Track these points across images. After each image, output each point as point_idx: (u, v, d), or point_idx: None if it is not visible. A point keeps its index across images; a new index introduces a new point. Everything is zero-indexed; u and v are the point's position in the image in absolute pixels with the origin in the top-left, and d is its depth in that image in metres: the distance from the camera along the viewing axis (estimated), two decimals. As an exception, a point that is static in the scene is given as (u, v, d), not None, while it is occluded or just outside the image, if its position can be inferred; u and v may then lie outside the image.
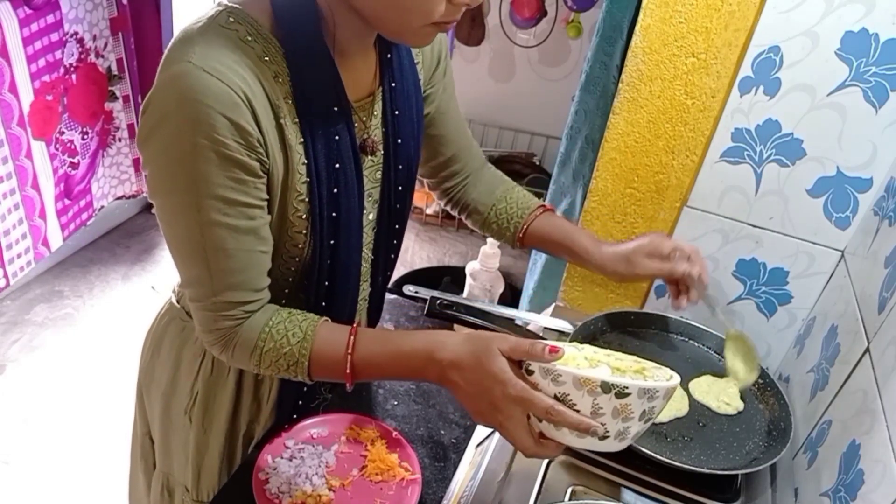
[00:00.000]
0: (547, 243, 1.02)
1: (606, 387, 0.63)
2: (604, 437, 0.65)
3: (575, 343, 0.75)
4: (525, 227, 1.02)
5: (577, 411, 0.64)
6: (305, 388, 0.95)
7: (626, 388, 0.63)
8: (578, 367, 0.67)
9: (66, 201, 2.27)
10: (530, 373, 0.66)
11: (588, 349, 0.73)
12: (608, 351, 0.74)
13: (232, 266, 0.74)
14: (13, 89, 1.90)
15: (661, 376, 0.70)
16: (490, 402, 0.67)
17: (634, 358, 0.74)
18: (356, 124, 0.82)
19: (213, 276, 0.75)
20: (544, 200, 1.10)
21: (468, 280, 1.34)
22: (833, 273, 1.09)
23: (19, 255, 2.11)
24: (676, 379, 0.69)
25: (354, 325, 0.78)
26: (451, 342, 0.71)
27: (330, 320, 0.81)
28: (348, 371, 0.76)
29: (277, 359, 0.78)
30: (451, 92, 0.99)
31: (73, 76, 2.14)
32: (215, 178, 0.69)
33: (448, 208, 1.09)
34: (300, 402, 0.96)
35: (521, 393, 0.65)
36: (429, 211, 3.07)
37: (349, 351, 0.76)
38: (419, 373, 0.74)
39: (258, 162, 0.72)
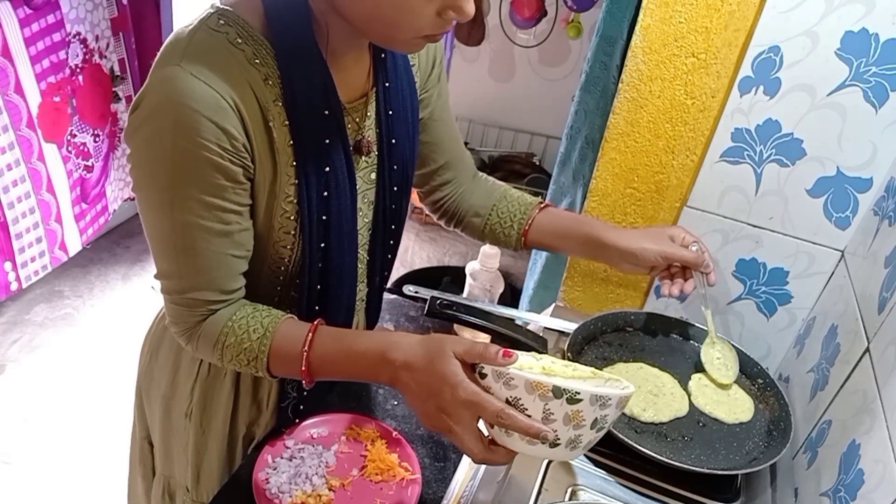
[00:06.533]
0: (556, 237, 1.00)
1: (558, 392, 0.62)
2: (554, 445, 0.64)
3: (533, 353, 0.73)
4: (530, 222, 1.01)
5: (529, 416, 0.63)
6: (306, 392, 0.95)
7: (578, 393, 0.62)
8: (532, 371, 0.66)
9: (84, 205, 2.26)
10: (483, 376, 0.65)
11: (546, 359, 0.72)
12: (566, 362, 0.73)
13: (200, 265, 0.75)
14: (19, 90, 1.90)
15: (617, 386, 0.69)
16: (439, 404, 0.66)
17: (592, 370, 0.73)
18: (349, 125, 0.82)
19: (181, 274, 0.76)
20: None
21: (468, 280, 1.34)
22: (833, 273, 1.09)
23: (33, 259, 2.10)
24: (631, 389, 0.67)
25: (316, 322, 0.78)
26: (404, 343, 0.71)
27: (295, 317, 0.82)
28: (304, 368, 0.76)
29: (238, 353, 0.79)
30: (445, 99, 0.99)
31: (80, 77, 2.13)
32: (193, 180, 0.70)
33: (442, 222, 1.07)
34: (301, 407, 0.96)
35: (472, 396, 0.64)
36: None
37: (305, 348, 0.76)
38: (373, 372, 0.73)
39: (241, 167, 0.73)
